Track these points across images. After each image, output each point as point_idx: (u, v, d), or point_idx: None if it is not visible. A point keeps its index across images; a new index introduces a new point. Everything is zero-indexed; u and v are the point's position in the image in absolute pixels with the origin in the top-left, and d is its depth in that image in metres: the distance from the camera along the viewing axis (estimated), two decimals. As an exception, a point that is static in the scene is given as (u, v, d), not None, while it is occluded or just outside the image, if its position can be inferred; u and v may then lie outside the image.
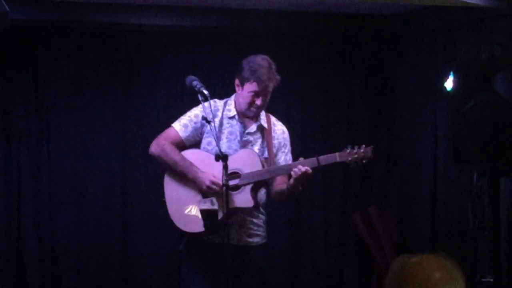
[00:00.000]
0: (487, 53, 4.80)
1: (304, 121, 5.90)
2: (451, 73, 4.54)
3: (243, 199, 4.11)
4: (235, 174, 4.11)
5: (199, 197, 4.15)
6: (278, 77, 4.19)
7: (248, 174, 4.12)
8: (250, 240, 4.25)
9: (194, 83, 4.08)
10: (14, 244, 5.41)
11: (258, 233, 4.28)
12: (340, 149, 4.12)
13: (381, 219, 5.89)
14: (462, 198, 5.12)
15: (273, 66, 4.19)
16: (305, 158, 4.17)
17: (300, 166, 4.02)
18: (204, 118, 4.02)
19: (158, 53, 5.73)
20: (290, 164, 4.14)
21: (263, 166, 4.15)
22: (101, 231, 5.59)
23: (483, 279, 4.37)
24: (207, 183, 4.08)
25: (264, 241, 4.31)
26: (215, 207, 4.03)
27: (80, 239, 5.56)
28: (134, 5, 5.47)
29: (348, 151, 4.08)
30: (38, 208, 5.48)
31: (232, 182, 4.05)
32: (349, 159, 4.08)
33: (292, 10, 5.69)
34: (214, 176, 4.06)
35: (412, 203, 5.88)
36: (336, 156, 4.09)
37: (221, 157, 3.83)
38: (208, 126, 4.13)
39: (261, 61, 4.18)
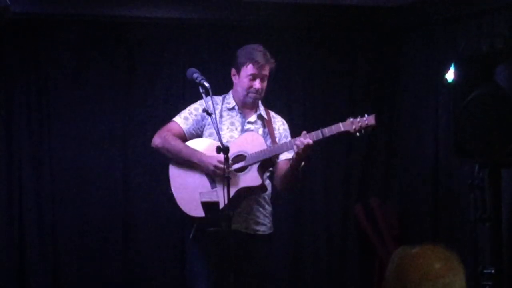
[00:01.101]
0: (488, 44, 4.80)
1: (305, 113, 5.89)
2: (452, 65, 4.53)
3: (250, 178, 4.16)
4: (240, 156, 4.15)
5: (205, 181, 4.18)
6: (273, 60, 4.28)
7: (253, 154, 4.16)
8: (257, 228, 4.29)
9: (195, 75, 4.11)
10: (15, 240, 5.41)
11: (265, 223, 4.32)
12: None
13: (382, 211, 5.89)
14: (463, 189, 5.12)
15: (267, 53, 4.28)
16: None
17: (302, 139, 4.06)
18: (205, 110, 4.04)
19: (159, 46, 5.72)
20: (294, 139, 4.16)
21: (267, 145, 4.21)
22: (102, 226, 5.59)
23: (484, 271, 4.37)
24: (214, 163, 4.09)
25: (270, 231, 4.35)
26: (216, 199, 4.04)
27: (82, 234, 5.56)
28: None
29: (351, 120, 4.13)
30: (40, 203, 5.48)
31: (237, 165, 4.12)
32: (353, 127, 4.12)
33: (293, 2, 5.69)
34: (219, 161, 4.09)
35: (413, 194, 5.89)
36: (340, 126, 4.13)
37: (222, 149, 3.85)
38: (209, 118, 4.17)
39: (255, 46, 4.30)
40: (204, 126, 4.30)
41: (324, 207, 5.95)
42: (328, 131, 4.14)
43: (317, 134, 4.12)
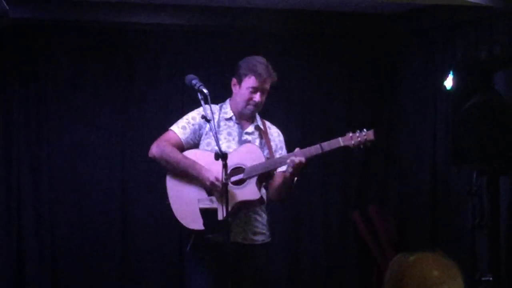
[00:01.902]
0: (486, 51, 4.80)
1: (303, 122, 5.89)
2: (451, 72, 4.54)
3: (249, 191, 4.12)
4: (239, 169, 4.13)
5: (203, 194, 4.15)
6: (275, 74, 4.25)
7: (251, 167, 4.14)
8: (255, 238, 4.26)
9: (194, 82, 4.09)
10: (13, 243, 5.42)
11: (263, 231, 4.30)
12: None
13: (381, 217, 5.89)
14: (461, 197, 5.13)
15: (270, 66, 4.25)
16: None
17: (293, 158, 4.06)
18: (203, 117, 4.02)
19: (158, 52, 5.73)
20: (292, 153, 4.15)
21: (265, 158, 4.19)
22: (100, 229, 5.59)
23: (482, 278, 4.37)
24: (211, 179, 4.08)
25: (268, 240, 4.34)
26: (214, 205, 4.03)
27: (80, 237, 5.56)
28: (133, 3, 5.47)
29: (350, 135, 4.12)
30: (38, 206, 5.48)
31: (236, 178, 4.09)
32: (352, 143, 4.12)
33: (292, 9, 5.69)
34: (218, 173, 4.07)
35: (412, 201, 5.88)
36: (340, 141, 4.13)
37: (221, 155, 3.83)
38: (206, 127, 4.17)
39: (259, 58, 4.25)
40: (202, 135, 4.28)
41: (322, 214, 5.95)
42: (328, 145, 4.12)
43: (316, 149, 4.11)
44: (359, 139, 4.11)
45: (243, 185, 4.12)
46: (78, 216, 5.56)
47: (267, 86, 4.23)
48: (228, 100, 4.35)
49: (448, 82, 4.60)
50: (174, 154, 4.21)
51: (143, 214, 5.62)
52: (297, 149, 4.14)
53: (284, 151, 4.34)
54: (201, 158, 4.19)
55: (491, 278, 4.35)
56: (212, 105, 4.26)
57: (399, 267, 2.05)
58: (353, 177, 6.00)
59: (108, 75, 5.65)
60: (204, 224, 4.05)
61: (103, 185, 5.60)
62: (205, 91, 4.02)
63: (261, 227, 4.28)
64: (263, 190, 4.30)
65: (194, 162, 4.18)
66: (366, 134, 4.12)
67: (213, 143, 4.06)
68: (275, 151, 4.31)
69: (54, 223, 5.52)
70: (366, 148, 4.19)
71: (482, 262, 4.69)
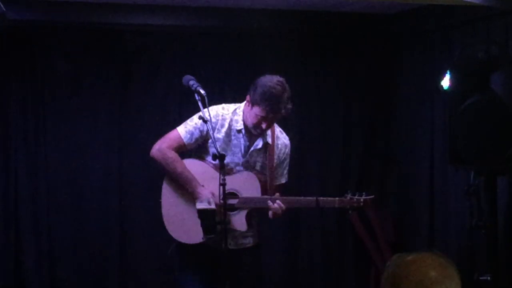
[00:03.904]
0: (484, 52, 4.79)
1: (301, 121, 5.89)
2: (448, 72, 4.54)
3: (238, 222, 4.17)
4: (233, 195, 4.13)
5: (194, 210, 4.13)
6: (290, 106, 4.12)
7: (246, 198, 4.16)
8: (246, 242, 4.27)
9: (191, 82, 4.08)
10: (11, 245, 5.42)
11: (251, 234, 4.30)
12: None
13: (379, 218, 5.89)
14: (459, 197, 5.13)
15: (287, 93, 4.11)
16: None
17: (279, 202, 4.11)
18: (201, 117, 4.02)
19: (156, 53, 5.72)
20: (290, 199, 4.20)
21: (261, 192, 4.18)
22: (98, 231, 5.59)
23: (480, 278, 4.37)
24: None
25: (257, 241, 4.35)
26: (213, 206, 4.03)
27: (78, 239, 5.56)
28: (131, 5, 5.47)
29: (348, 198, 4.23)
30: (35, 209, 5.48)
31: (229, 202, 4.05)
32: (348, 207, 4.24)
33: (290, 9, 5.69)
34: (212, 194, 4.07)
35: (410, 202, 5.89)
36: (335, 202, 4.25)
37: (218, 156, 3.83)
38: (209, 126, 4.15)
39: (276, 85, 4.08)
40: (208, 136, 4.21)
41: (320, 214, 5.94)
42: (323, 202, 4.26)
43: (311, 202, 4.25)
44: (355, 205, 4.23)
45: (233, 213, 4.14)
46: (76, 219, 5.56)
47: (278, 116, 4.14)
48: (243, 105, 4.24)
49: (445, 82, 4.60)
50: (174, 165, 4.17)
51: (140, 218, 5.61)
52: (277, 194, 4.18)
53: (286, 163, 4.35)
54: (201, 171, 4.18)
55: (489, 278, 4.35)
56: (225, 107, 4.23)
57: (397, 267, 2.05)
58: (351, 177, 6.00)
59: (105, 77, 5.64)
60: (202, 226, 4.04)
61: (100, 188, 5.60)
62: (202, 92, 4.01)
63: (250, 230, 4.28)
64: None
65: (192, 178, 4.16)
66: (364, 202, 4.23)
67: (217, 143, 4.05)
68: (278, 165, 4.30)
69: (52, 226, 5.52)
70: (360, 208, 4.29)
71: (480, 261, 4.69)
